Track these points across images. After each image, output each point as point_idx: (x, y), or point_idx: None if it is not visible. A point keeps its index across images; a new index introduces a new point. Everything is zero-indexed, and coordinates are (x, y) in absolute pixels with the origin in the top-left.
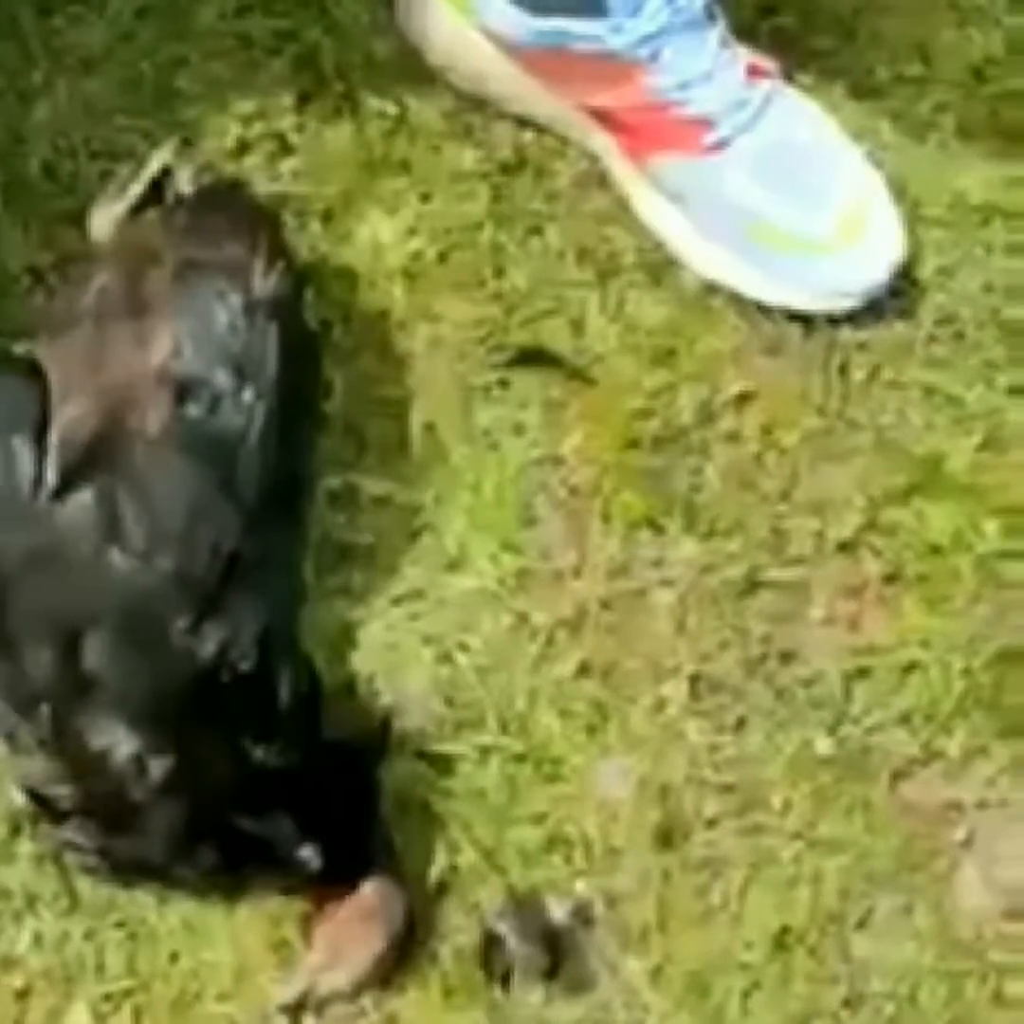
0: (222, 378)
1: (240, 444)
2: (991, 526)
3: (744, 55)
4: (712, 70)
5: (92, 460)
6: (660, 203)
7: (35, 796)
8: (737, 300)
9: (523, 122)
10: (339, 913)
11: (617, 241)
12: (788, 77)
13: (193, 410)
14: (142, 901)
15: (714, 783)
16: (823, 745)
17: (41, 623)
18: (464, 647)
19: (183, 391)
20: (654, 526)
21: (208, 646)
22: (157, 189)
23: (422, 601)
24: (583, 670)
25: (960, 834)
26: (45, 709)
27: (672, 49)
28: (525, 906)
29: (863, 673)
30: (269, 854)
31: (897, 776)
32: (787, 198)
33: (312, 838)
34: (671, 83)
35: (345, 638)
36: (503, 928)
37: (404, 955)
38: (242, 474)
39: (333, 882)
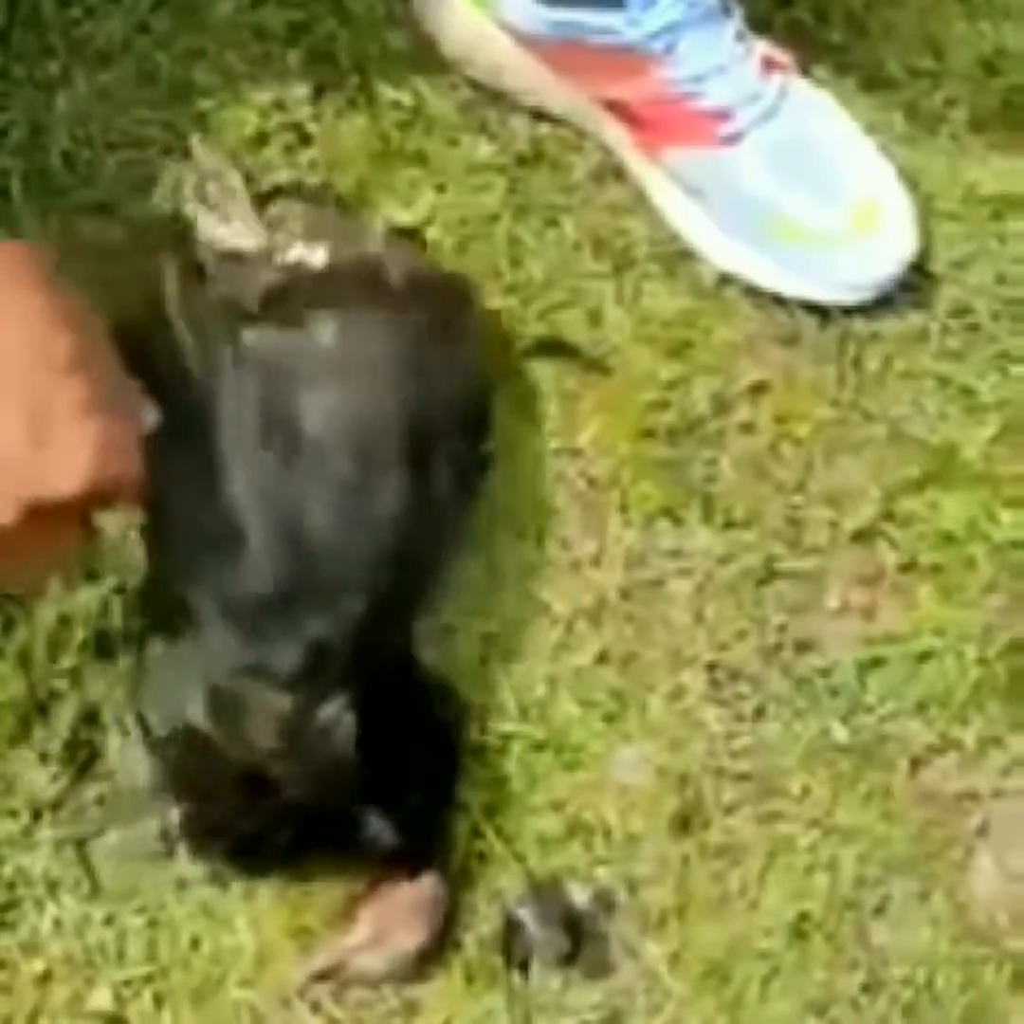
0: None
1: None
2: (1006, 515)
3: (759, 48)
4: (727, 63)
5: None
6: (676, 195)
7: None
8: (752, 292)
9: (539, 114)
10: (395, 896)
11: (633, 233)
12: (803, 70)
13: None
14: (162, 887)
15: (732, 771)
16: (840, 733)
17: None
18: (485, 635)
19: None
20: (671, 517)
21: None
22: None
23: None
24: (602, 659)
25: (975, 822)
26: (294, 696)
27: (688, 42)
28: (545, 892)
29: (878, 662)
30: (345, 831)
31: (913, 764)
32: (802, 191)
33: (389, 816)
34: (686, 76)
35: None
36: (524, 914)
37: (437, 951)
38: None
39: (397, 863)
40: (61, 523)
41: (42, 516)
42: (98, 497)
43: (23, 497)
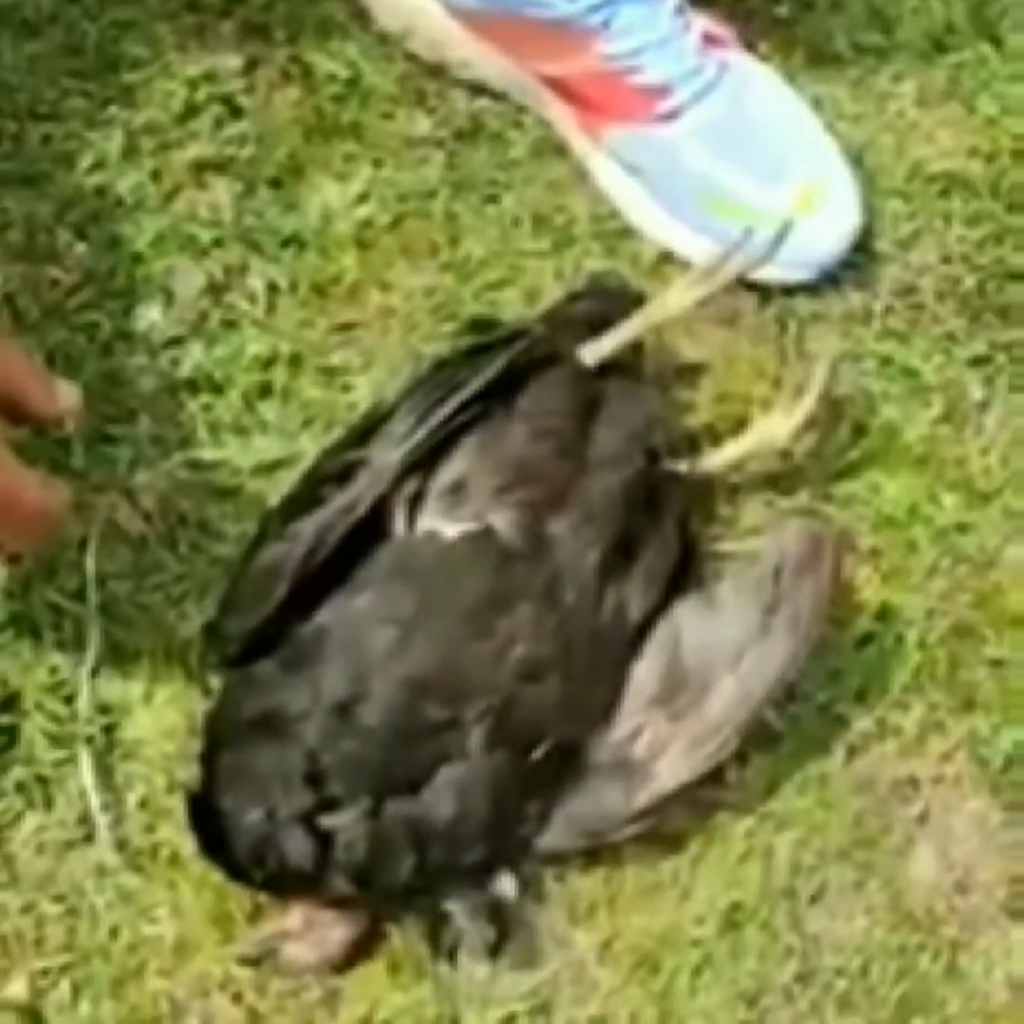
0: None
1: None
2: (948, 499)
3: (700, 23)
4: (666, 37)
5: None
6: (617, 173)
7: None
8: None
9: (479, 88)
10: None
11: (573, 210)
12: (749, 45)
13: None
14: (81, 875)
15: None
16: (777, 719)
17: None
18: None
19: None
20: None
21: None
22: None
23: None
24: None
25: (915, 810)
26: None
27: (625, 16)
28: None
29: (818, 646)
30: None
31: (852, 751)
32: (744, 168)
33: None
34: (624, 50)
35: None
36: (450, 903)
37: (364, 948)
38: None
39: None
40: None
41: None
42: None
43: None
